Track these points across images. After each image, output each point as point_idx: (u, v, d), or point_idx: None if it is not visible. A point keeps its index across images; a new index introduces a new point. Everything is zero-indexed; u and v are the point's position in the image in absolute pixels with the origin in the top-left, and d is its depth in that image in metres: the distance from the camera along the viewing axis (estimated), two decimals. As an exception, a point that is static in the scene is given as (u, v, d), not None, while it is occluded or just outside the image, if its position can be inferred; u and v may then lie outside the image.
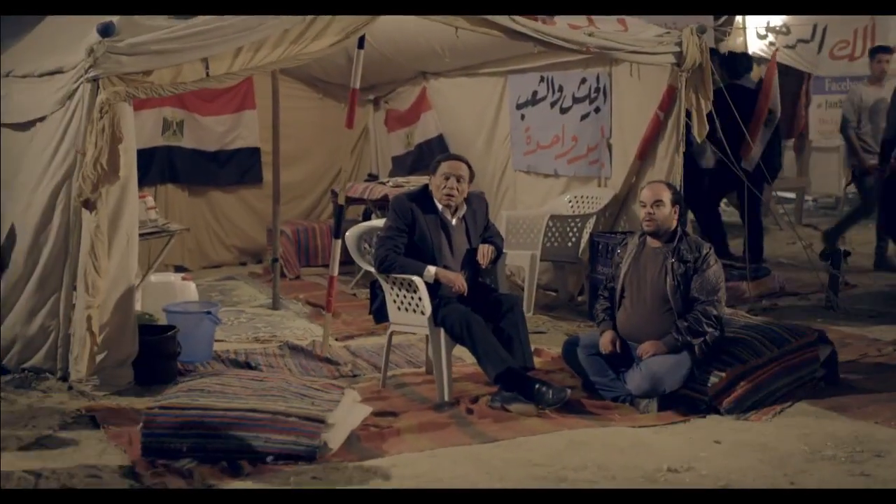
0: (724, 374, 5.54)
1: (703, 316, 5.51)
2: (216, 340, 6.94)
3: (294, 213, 10.44)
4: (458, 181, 5.84)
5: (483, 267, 5.83)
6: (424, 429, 5.23)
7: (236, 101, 10.09)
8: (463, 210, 5.89)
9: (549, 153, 8.74)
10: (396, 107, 10.56)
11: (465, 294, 5.66)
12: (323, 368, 6.45)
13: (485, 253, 5.78)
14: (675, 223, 5.71)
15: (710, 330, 5.53)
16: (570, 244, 8.14)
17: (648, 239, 5.78)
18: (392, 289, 5.79)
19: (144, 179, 9.54)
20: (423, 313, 5.64)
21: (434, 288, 5.68)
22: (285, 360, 6.62)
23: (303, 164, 10.49)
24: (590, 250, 7.88)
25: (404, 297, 5.74)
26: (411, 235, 5.75)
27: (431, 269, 5.64)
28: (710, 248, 5.66)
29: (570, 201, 8.46)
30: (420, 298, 5.63)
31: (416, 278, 5.60)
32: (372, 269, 5.86)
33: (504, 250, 6.10)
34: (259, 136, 10.18)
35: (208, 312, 6.50)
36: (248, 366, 6.40)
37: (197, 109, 9.92)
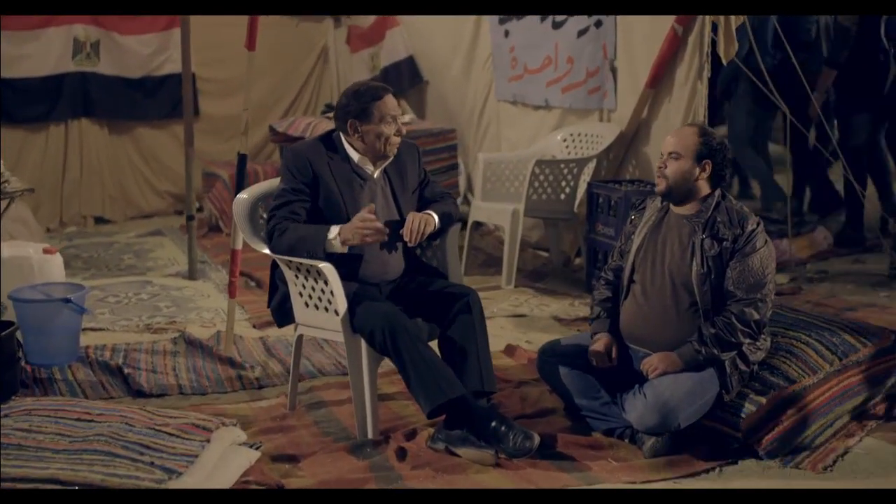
0: (763, 401, 3.89)
1: (738, 321, 3.83)
2: (95, 329, 5.49)
3: (236, 152, 8.71)
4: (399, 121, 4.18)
5: (410, 245, 4.13)
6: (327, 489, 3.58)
7: (164, 16, 8.35)
8: (386, 161, 4.19)
9: (540, 79, 7.01)
10: (359, 22, 8.80)
11: (386, 237, 3.98)
12: (221, 374, 4.82)
13: (413, 227, 4.07)
14: (699, 186, 3.98)
15: (746, 340, 3.85)
16: (563, 196, 6.42)
17: (672, 205, 4.07)
18: (297, 276, 4.11)
19: (52, 114, 7.97)
20: (336, 313, 3.97)
21: (353, 271, 4.01)
22: (175, 361, 4.99)
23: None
24: (588, 204, 6.18)
25: (312, 288, 4.06)
26: (315, 198, 4.07)
27: (335, 230, 3.96)
28: (758, 224, 3.94)
29: (564, 140, 6.74)
30: (332, 292, 3.95)
31: (323, 265, 3.91)
32: (267, 251, 4.17)
33: (456, 217, 4.39)
34: (194, 59, 8.40)
35: (68, 300, 4.85)
36: (119, 372, 4.77)
37: (116, 27, 8.29)
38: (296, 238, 3.98)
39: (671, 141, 4.00)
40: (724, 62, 5.65)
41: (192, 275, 6.52)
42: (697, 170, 3.94)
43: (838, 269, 6.55)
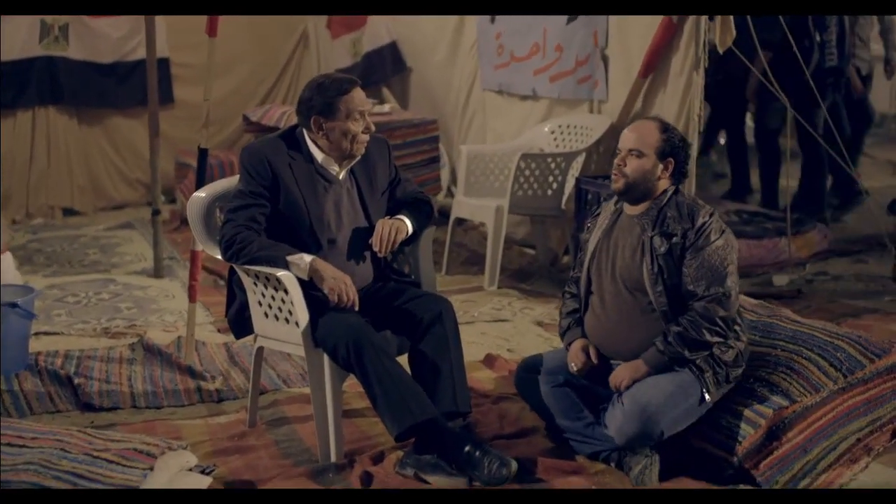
0: (762, 422, 3.57)
1: (702, 318, 3.51)
2: (48, 333, 5.14)
3: (213, 142, 8.31)
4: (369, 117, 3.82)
5: (380, 255, 3.82)
6: (279, 525, 3.25)
7: (137, -1, 7.98)
8: (353, 160, 3.85)
9: (526, 67, 6.68)
10: (341, 6, 8.44)
11: (356, 307, 3.66)
12: (179, 386, 4.49)
13: (383, 236, 3.75)
14: (660, 184, 3.67)
15: (714, 339, 3.53)
16: (550, 191, 6.08)
17: (626, 205, 3.74)
18: (256, 284, 3.77)
19: (18, 100, 7.60)
20: (297, 325, 3.64)
21: (312, 284, 3.67)
22: (132, 370, 4.66)
23: (224, 80, 8.41)
24: (576, 200, 5.86)
25: (272, 297, 3.73)
26: (275, 202, 3.72)
27: (306, 258, 3.62)
28: (710, 216, 3.61)
29: (552, 132, 6.41)
30: (293, 302, 3.62)
31: (282, 273, 3.58)
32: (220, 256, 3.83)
33: (431, 219, 4.04)
34: (168, 43, 8.11)
35: (14, 305, 4.50)
36: (69, 382, 4.44)
37: (85, 9, 7.84)
38: (252, 257, 3.64)
39: (631, 137, 3.68)
40: (721, 51, 5.33)
41: (157, 272, 6.18)
42: (660, 168, 3.63)
43: (839, 269, 6.24)
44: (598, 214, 3.89)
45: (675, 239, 3.57)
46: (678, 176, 3.70)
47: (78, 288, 5.94)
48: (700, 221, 3.58)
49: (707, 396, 3.56)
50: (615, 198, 3.80)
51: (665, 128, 3.68)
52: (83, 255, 6.78)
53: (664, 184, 3.68)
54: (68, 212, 8.04)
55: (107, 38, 8.00)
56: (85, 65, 7.96)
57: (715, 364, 3.57)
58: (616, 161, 3.69)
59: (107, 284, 6.04)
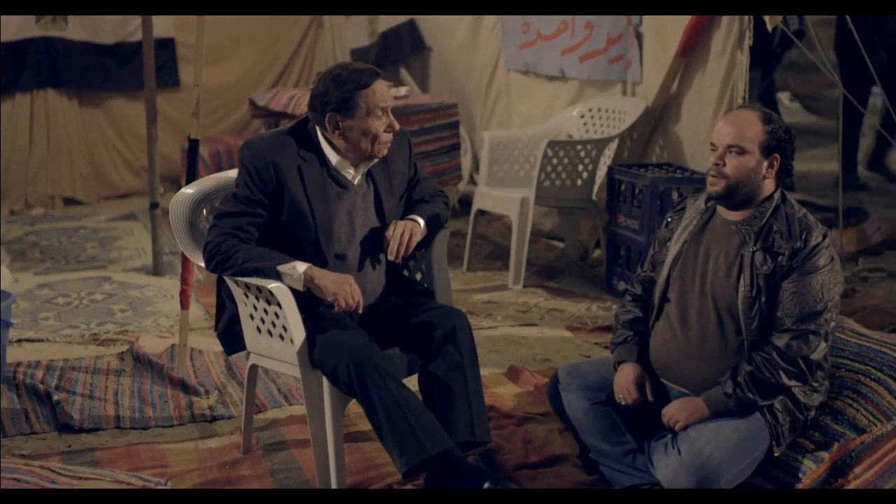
0: (826, 456, 3.13)
1: (781, 357, 3.03)
2: (32, 340, 4.73)
3: (221, 127, 7.99)
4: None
5: (394, 261, 3.37)
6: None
7: (139, -25, 7.54)
8: (371, 162, 3.38)
9: (554, 46, 6.22)
10: (356, -18, 7.97)
11: (359, 312, 3.22)
12: (169, 402, 4.06)
13: (395, 236, 3.33)
14: (765, 186, 3.16)
15: (792, 383, 3.05)
16: (579, 181, 5.61)
17: (721, 207, 3.25)
18: (247, 296, 3.33)
19: (15, 84, 7.20)
20: (291, 342, 3.19)
21: (311, 296, 3.22)
22: (119, 383, 4.24)
23: (232, 62, 8.02)
24: (608, 191, 5.39)
25: (264, 311, 3.28)
26: (277, 211, 3.27)
27: (299, 268, 3.17)
28: (823, 237, 3.12)
29: (581, 116, 5.94)
30: (287, 317, 3.17)
31: (274, 284, 3.13)
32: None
33: (445, 219, 3.58)
34: (173, 23, 7.69)
35: (-13, 313, 4.09)
36: (48, 398, 4.01)
37: (85, -14, 7.40)
38: (238, 268, 3.21)
39: (728, 131, 3.14)
40: (770, 28, 4.83)
41: (156, 270, 5.75)
42: (765, 165, 3.12)
43: (892, 263, 5.73)
44: (682, 209, 3.38)
45: (780, 259, 3.07)
46: (783, 175, 3.19)
47: (70, 287, 5.51)
48: (813, 242, 3.07)
49: (776, 450, 3.10)
50: (702, 195, 3.30)
51: (769, 118, 3.15)
52: (81, 249, 6.35)
53: (770, 185, 3.15)
54: (70, 201, 7.62)
55: (108, 18, 7.55)
56: (85, 45, 7.52)
57: (795, 409, 3.10)
58: (713, 160, 3.15)
59: (101, 283, 5.61)
